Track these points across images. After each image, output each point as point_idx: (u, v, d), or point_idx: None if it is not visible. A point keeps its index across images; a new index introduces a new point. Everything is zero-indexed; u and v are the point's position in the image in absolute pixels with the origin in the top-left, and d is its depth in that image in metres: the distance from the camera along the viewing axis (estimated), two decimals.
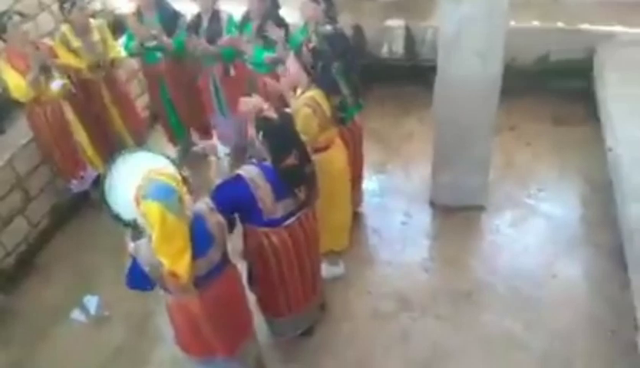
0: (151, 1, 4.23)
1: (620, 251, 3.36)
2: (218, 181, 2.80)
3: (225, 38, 4.15)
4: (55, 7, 4.20)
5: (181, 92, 4.52)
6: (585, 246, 3.68)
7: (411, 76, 5.05)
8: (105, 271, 3.93)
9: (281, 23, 4.02)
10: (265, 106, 2.81)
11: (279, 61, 3.85)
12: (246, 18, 4.14)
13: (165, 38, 4.23)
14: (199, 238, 2.40)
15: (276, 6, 4.04)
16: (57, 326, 3.66)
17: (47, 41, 4.20)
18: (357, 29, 5.04)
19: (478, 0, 3.18)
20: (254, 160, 2.76)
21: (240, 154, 4.25)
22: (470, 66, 3.40)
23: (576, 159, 4.30)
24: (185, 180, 2.49)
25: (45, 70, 3.84)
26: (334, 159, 3.24)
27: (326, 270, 3.52)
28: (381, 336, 3.33)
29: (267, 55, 3.98)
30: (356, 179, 3.75)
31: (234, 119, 4.37)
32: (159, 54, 4.34)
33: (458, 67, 3.45)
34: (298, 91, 3.20)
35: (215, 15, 4.19)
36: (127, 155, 2.67)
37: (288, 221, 2.80)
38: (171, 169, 2.54)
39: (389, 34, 5.04)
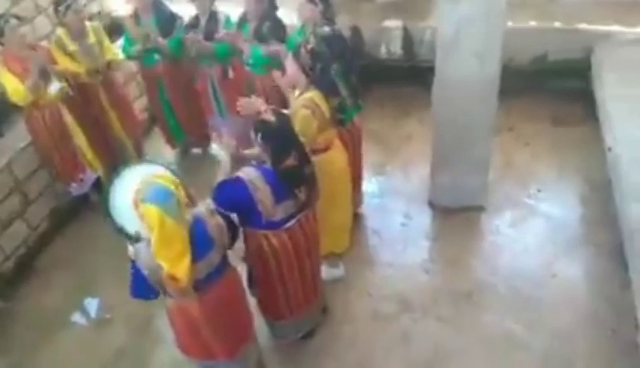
0: (148, 4, 4.22)
1: (620, 250, 3.36)
2: (221, 177, 2.79)
3: (222, 33, 4.13)
4: (52, 10, 4.18)
5: (179, 94, 4.52)
6: (584, 246, 3.69)
7: (410, 76, 5.05)
8: (105, 273, 3.92)
9: (278, 24, 4.03)
10: (263, 108, 2.81)
11: (276, 60, 3.85)
12: (244, 19, 4.13)
13: (160, 39, 4.22)
14: (199, 241, 2.40)
15: (274, 7, 4.04)
16: (57, 330, 3.65)
17: (44, 43, 4.19)
18: (355, 30, 5.04)
19: (476, 1, 3.18)
20: (253, 162, 2.76)
21: (239, 156, 4.24)
22: (468, 66, 3.41)
23: (575, 159, 4.31)
24: (188, 196, 2.48)
25: (44, 75, 3.83)
26: (334, 160, 3.24)
27: (326, 272, 3.51)
28: (381, 338, 3.32)
29: (265, 47, 3.97)
30: (355, 180, 3.75)
31: (233, 120, 4.37)
32: (157, 57, 4.33)
33: (456, 67, 3.45)
34: (297, 92, 3.20)
35: (212, 17, 4.19)
36: (129, 167, 2.67)
37: (288, 224, 2.80)
38: (169, 173, 2.53)
39: (387, 35, 5.05)
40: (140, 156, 4.77)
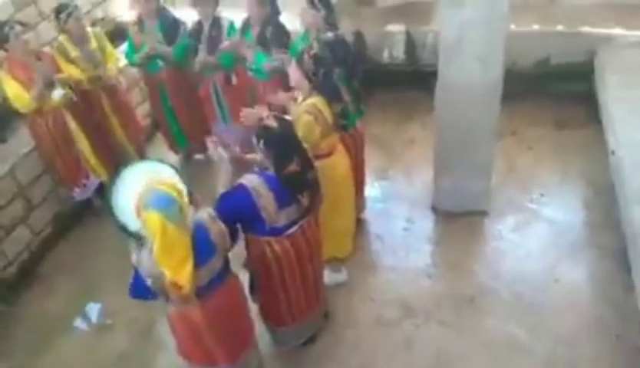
0: (152, 10, 4.24)
1: (624, 253, 3.35)
2: (222, 188, 2.78)
3: (225, 43, 4.15)
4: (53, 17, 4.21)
5: (182, 100, 4.53)
6: (588, 249, 3.67)
7: (412, 81, 5.06)
8: (108, 279, 3.93)
9: (281, 29, 4.03)
10: (265, 114, 2.81)
11: (279, 70, 3.86)
12: (247, 25, 4.14)
13: (165, 48, 4.24)
14: (201, 248, 2.40)
15: (276, 12, 4.05)
16: (59, 335, 3.65)
17: (48, 49, 4.21)
18: (358, 35, 5.05)
19: (478, 5, 3.18)
20: (256, 169, 2.76)
21: (240, 163, 4.24)
22: (471, 71, 3.41)
23: (578, 163, 4.29)
24: (190, 195, 2.48)
25: (48, 82, 3.85)
26: (337, 165, 3.24)
27: (328, 276, 3.51)
28: (384, 343, 3.31)
29: (267, 63, 3.99)
30: (358, 185, 3.75)
31: (236, 127, 4.38)
32: (160, 63, 4.35)
33: (459, 72, 3.45)
34: (300, 98, 3.20)
35: (215, 22, 4.19)
36: (133, 165, 2.67)
37: (291, 230, 2.80)
38: (175, 178, 2.53)
39: (390, 40, 5.05)
40: None
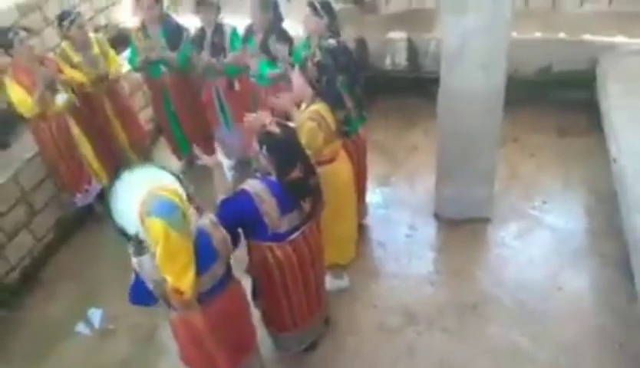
0: (155, 16, 4.26)
1: (626, 261, 3.35)
2: (221, 195, 2.79)
3: (229, 56, 4.16)
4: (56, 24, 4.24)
5: (185, 105, 4.54)
6: (590, 257, 3.67)
7: (414, 88, 5.07)
8: (110, 284, 3.92)
9: (284, 36, 4.05)
10: (268, 120, 2.82)
11: (282, 78, 3.88)
12: (250, 32, 4.16)
13: (169, 53, 4.26)
14: (204, 254, 2.40)
15: (279, 19, 4.07)
16: (61, 340, 3.65)
17: (52, 55, 4.23)
18: (360, 42, 5.07)
19: (481, 12, 3.19)
20: (258, 175, 2.77)
21: (244, 168, 4.26)
22: (474, 78, 3.42)
23: (581, 170, 4.30)
24: (190, 198, 2.49)
25: (51, 87, 3.87)
26: (339, 172, 3.25)
27: (330, 283, 3.50)
28: (386, 350, 3.30)
29: (270, 71, 4.00)
30: (360, 191, 3.75)
31: (239, 132, 4.39)
32: (163, 68, 4.37)
33: (461, 79, 3.46)
34: (303, 105, 3.21)
35: (218, 28, 4.21)
36: (133, 169, 2.67)
37: (293, 236, 2.80)
38: (176, 185, 2.53)
39: (392, 47, 5.08)
40: None
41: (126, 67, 4.62)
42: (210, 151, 4.89)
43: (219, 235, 2.48)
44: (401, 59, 5.09)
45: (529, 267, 3.66)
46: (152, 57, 4.25)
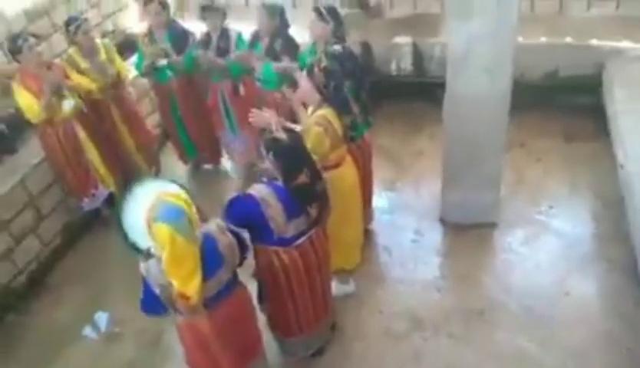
0: (162, 21, 4.28)
1: (633, 266, 3.34)
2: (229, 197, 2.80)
3: (234, 54, 4.18)
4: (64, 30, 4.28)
5: (191, 110, 4.56)
6: (597, 262, 3.65)
7: (420, 92, 5.07)
8: (117, 288, 3.94)
9: (290, 42, 4.07)
10: (274, 126, 2.83)
11: (288, 71, 3.88)
12: (256, 37, 4.18)
13: (175, 57, 4.28)
14: (210, 259, 2.40)
15: (286, 25, 4.09)
16: (68, 344, 3.66)
17: (59, 61, 4.26)
18: (366, 46, 5.07)
19: (487, 17, 3.19)
20: (265, 179, 2.77)
21: (251, 172, 4.28)
22: (479, 83, 3.42)
23: (587, 175, 4.28)
24: (198, 209, 2.49)
25: (58, 92, 3.89)
26: (345, 176, 3.25)
27: (336, 288, 3.50)
28: (392, 356, 3.29)
29: (276, 64, 4.01)
30: (366, 196, 3.75)
31: (244, 137, 4.41)
32: (169, 73, 4.39)
33: (467, 84, 3.46)
34: (309, 110, 3.22)
35: (224, 34, 4.24)
36: (142, 184, 2.69)
37: (299, 241, 2.80)
38: (183, 193, 2.54)
39: (397, 52, 5.08)
40: (156, 170, 4.82)
41: (133, 73, 4.65)
42: (217, 155, 4.92)
43: (226, 240, 2.49)
44: (407, 64, 5.09)
45: (536, 272, 3.64)
46: (158, 62, 4.27)
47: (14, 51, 3.79)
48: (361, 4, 5.48)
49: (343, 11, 4.47)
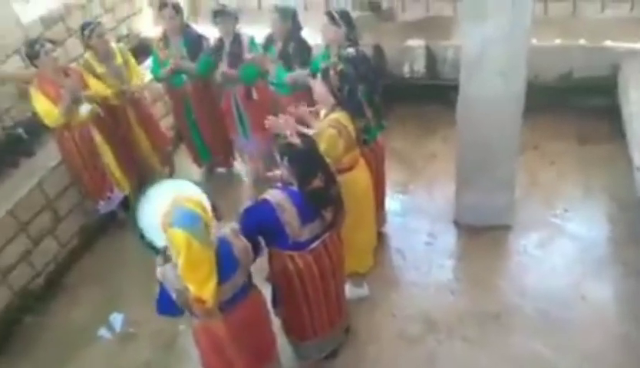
0: (177, 26, 4.32)
1: None
2: (245, 203, 2.82)
3: (249, 56, 4.18)
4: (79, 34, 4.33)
5: (205, 114, 4.59)
6: (613, 266, 3.62)
7: (433, 95, 5.06)
8: (132, 289, 3.98)
9: (303, 45, 4.08)
10: (288, 131, 2.84)
11: (300, 81, 3.90)
12: (270, 40, 4.20)
13: (189, 63, 4.31)
14: (225, 263, 2.42)
15: (298, 27, 4.11)
16: (84, 345, 3.70)
17: (75, 65, 4.32)
18: (378, 50, 5.08)
19: (501, 20, 3.19)
20: (279, 184, 2.79)
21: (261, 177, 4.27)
22: (493, 86, 3.41)
23: (602, 178, 4.25)
24: (214, 208, 2.52)
25: (76, 98, 3.94)
26: (358, 179, 3.26)
27: (350, 291, 3.51)
28: (406, 359, 3.29)
29: (289, 74, 4.04)
30: (379, 199, 3.75)
31: (256, 142, 4.42)
32: (184, 77, 4.42)
33: (481, 87, 3.46)
34: (322, 113, 3.23)
35: (236, 38, 4.24)
36: (159, 183, 2.72)
37: (313, 245, 2.81)
38: (202, 197, 2.57)
39: (410, 54, 5.07)
40: (170, 171, 4.87)
41: (147, 77, 4.70)
42: (230, 158, 4.95)
43: (240, 245, 2.51)
44: (420, 66, 5.08)
45: (551, 275, 3.62)
46: (173, 67, 4.31)
47: (32, 56, 3.85)
48: (373, 7, 5.49)
49: (355, 14, 4.50)
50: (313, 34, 4.15)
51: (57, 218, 4.22)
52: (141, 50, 5.28)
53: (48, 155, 4.28)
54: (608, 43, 4.63)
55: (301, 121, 3.29)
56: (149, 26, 5.82)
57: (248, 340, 2.68)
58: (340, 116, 3.08)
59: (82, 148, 4.08)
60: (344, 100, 3.10)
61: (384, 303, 3.62)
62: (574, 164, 4.43)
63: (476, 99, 3.51)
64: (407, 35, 5.17)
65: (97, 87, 4.12)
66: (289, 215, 2.66)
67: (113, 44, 4.37)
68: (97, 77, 4.18)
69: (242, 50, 4.23)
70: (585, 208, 4.07)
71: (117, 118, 4.35)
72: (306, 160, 2.69)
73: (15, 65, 4.36)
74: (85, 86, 4.03)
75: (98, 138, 4.17)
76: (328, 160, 2.83)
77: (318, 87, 3.14)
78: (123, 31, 5.54)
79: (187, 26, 4.45)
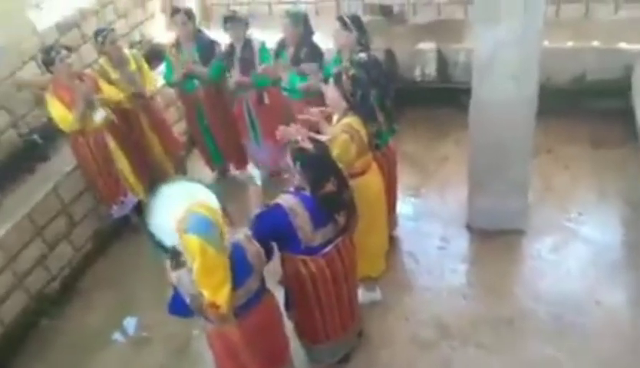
0: (190, 32, 4.35)
1: None
2: (256, 208, 2.83)
3: (260, 67, 4.20)
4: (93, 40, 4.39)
5: (218, 119, 4.62)
6: (627, 270, 3.59)
7: (444, 98, 5.05)
8: (146, 293, 4.02)
9: (315, 49, 4.10)
10: (300, 137, 2.85)
11: (312, 90, 3.92)
12: (282, 45, 4.22)
13: (201, 68, 4.35)
14: (239, 269, 2.44)
15: (310, 32, 4.12)
16: (98, 349, 3.74)
17: (89, 71, 4.37)
18: (389, 53, 5.08)
19: (513, 23, 3.18)
20: (292, 189, 2.80)
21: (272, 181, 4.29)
22: (505, 89, 3.40)
23: (616, 181, 4.21)
24: (224, 211, 2.53)
25: (90, 104, 3.99)
26: (370, 184, 3.26)
27: (363, 295, 3.50)
28: (419, 363, 3.28)
29: (300, 83, 4.05)
30: (391, 203, 3.75)
31: (268, 148, 4.44)
32: (196, 82, 4.46)
33: (493, 90, 3.45)
34: (335, 118, 3.24)
35: (247, 44, 4.27)
36: (170, 183, 2.74)
37: (326, 249, 2.82)
38: (212, 199, 2.58)
39: (421, 58, 5.07)
40: (182, 174, 4.89)
41: (160, 82, 4.74)
42: (243, 162, 4.98)
43: (254, 249, 2.52)
44: (431, 70, 5.07)
45: (565, 280, 3.59)
46: (187, 71, 4.34)
47: (48, 63, 3.91)
48: (384, 11, 5.49)
49: (366, 19, 4.50)
50: (325, 39, 4.17)
51: (72, 222, 4.27)
52: (154, 55, 5.33)
53: (63, 160, 4.33)
54: (622, 45, 4.59)
55: (313, 128, 3.31)
56: (161, 32, 5.88)
57: (262, 344, 2.70)
58: (352, 120, 3.09)
59: (97, 154, 4.13)
60: (357, 105, 3.11)
61: (397, 308, 3.61)
62: (588, 168, 4.38)
63: (489, 102, 3.50)
64: (418, 39, 5.16)
65: (110, 91, 4.17)
66: (302, 219, 2.67)
67: (126, 50, 4.41)
68: (111, 82, 4.22)
69: (253, 56, 4.25)
70: (599, 212, 4.04)
71: (130, 123, 4.40)
72: (318, 165, 2.70)
73: (32, 71, 4.43)
74: (98, 90, 4.08)
75: (112, 144, 4.21)
76: (340, 165, 2.84)
77: (331, 92, 3.15)
78: (136, 36, 5.59)
79: (200, 32, 4.49)
